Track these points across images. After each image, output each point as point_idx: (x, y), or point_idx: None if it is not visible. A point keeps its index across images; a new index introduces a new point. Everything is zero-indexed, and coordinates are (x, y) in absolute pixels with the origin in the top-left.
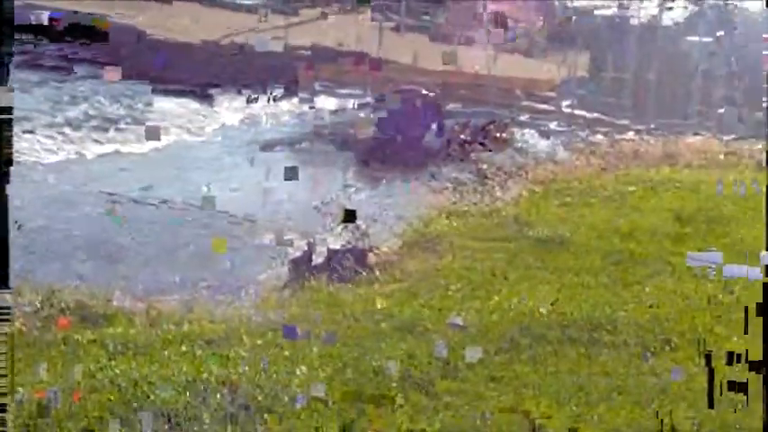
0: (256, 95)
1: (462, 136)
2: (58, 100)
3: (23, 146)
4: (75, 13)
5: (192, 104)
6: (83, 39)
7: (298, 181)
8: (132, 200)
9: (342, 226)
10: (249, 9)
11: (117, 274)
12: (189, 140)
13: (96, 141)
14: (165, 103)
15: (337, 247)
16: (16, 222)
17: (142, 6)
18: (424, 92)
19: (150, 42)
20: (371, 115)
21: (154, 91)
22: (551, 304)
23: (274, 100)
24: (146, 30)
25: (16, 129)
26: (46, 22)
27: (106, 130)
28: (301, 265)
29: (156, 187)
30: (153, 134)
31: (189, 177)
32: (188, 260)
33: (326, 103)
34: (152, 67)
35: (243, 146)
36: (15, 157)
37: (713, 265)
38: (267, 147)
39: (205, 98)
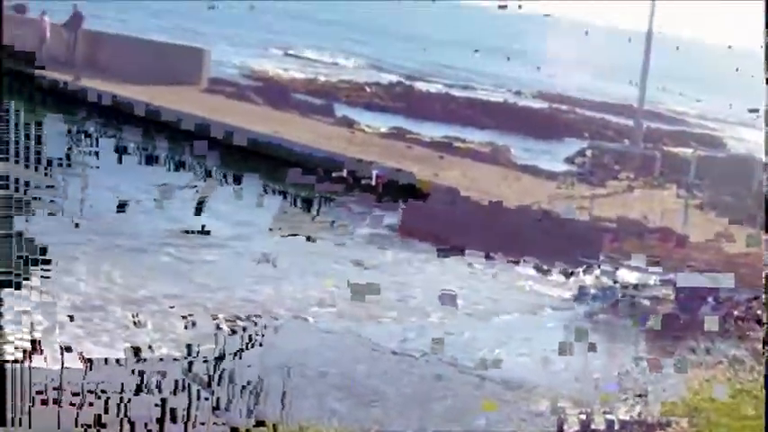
0: (571, 270)
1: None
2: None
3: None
4: (399, 170)
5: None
6: (401, 197)
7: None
8: (391, 351)
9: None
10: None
11: (370, 417)
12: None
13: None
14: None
15: (626, 418)
16: None
17: (464, 166)
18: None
19: (462, 202)
20: (671, 292)
21: (440, 251)
22: None
23: (583, 273)
24: (461, 190)
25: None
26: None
27: None
28: None
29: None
30: (449, 300)
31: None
32: (444, 414)
33: (629, 276)
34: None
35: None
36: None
37: None
38: (566, 319)
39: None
